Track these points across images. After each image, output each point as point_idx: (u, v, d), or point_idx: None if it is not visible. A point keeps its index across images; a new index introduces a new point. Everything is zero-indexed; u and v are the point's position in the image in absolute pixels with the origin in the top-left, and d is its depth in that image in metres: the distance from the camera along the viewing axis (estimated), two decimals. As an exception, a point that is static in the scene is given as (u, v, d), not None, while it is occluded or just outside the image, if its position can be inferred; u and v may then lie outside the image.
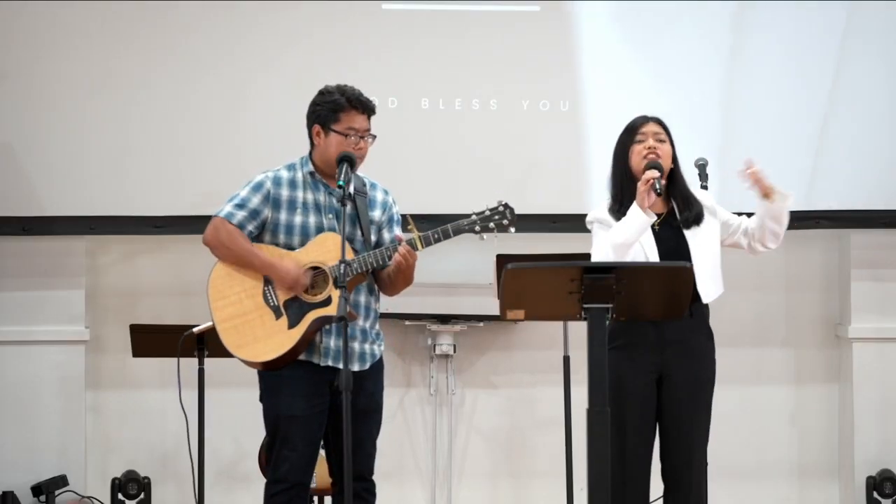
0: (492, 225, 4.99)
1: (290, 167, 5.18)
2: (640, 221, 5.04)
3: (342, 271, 4.79)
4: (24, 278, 7.03)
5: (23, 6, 6.82)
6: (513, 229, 5.02)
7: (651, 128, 5.19)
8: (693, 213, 5.17)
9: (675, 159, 5.20)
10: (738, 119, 6.92)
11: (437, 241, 5.00)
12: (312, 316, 5.01)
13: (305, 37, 6.88)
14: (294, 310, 5.03)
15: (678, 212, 5.17)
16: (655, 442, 5.15)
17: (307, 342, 5.04)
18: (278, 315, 5.04)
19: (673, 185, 5.19)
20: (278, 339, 5.03)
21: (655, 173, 5.04)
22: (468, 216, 5.06)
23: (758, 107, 6.92)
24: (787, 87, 6.92)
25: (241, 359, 5.10)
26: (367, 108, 5.11)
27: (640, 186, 5.04)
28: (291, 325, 5.03)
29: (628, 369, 4.96)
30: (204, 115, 6.88)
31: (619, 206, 5.15)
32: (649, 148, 5.13)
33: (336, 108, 5.08)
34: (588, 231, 5.27)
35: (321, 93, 5.14)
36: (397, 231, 5.13)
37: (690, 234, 5.15)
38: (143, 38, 6.85)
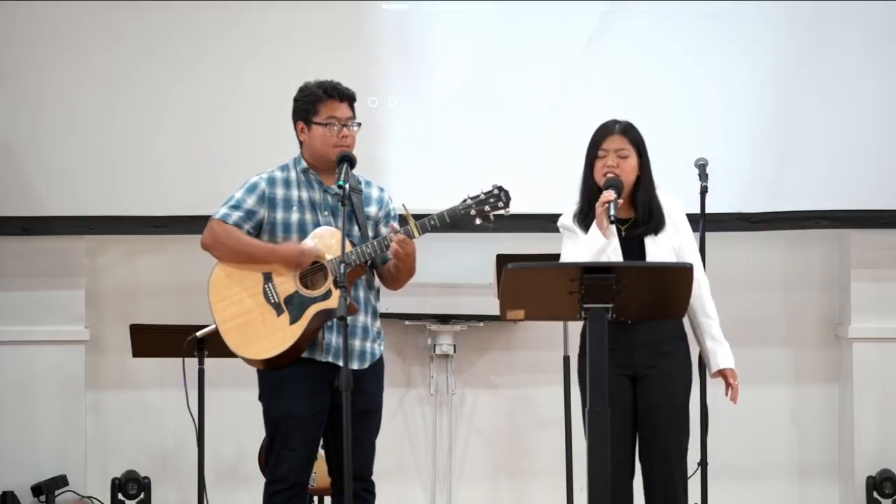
0: (487, 208, 4.94)
1: (284, 168, 5.22)
2: (599, 244, 5.02)
3: (342, 270, 4.80)
4: (24, 278, 7.03)
5: (22, 6, 6.82)
6: (508, 212, 4.97)
7: (614, 143, 5.12)
8: (652, 224, 5.13)
9: (643, 167, 5.14)
10: (737, 118, 6.91)
11: (434, 227, 5.00)
12: (314, 310, 5.02)
13: (305, 37, 6.88)
14: (295, 305, 5.05)
15: (638, 220, 5.15)
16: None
17: (310, 338, 5.05)
18: (279, 312, 5.06)
19: (637, 192, 5.15)
20: (281, 335, 5.04)
21: (612, 195, 4.99)
22: (463, 201, 5.05)
23: (757, 106, 6.91)
24: (785, 85, 6.92)
25: (245, 357, 5.11)
26: (344, 96, 5.15)
27: (598, 208, 5.02)
28: (293, 320, 5.04)
29: None
30: (204, 115, 6.88)
31: (584, 217, 5.15)
32: (608, 166, 5.11)
33: (315, 101, 5.14)
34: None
35: (300, 89, 5.22)
36: (394, 225, 5.11)
37: (649, 242, 5.13)
38: (143, 38, 6.86)
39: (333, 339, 5.06)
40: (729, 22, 6.90)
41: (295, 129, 5.21)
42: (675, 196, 5.26)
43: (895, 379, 7.12)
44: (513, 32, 6.91)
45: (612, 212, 4.96)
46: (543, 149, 6.90)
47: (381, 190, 5.27)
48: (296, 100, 5.21)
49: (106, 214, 6.92)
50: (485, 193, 5.03)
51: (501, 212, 5.00)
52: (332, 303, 4.96)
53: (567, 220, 5.21)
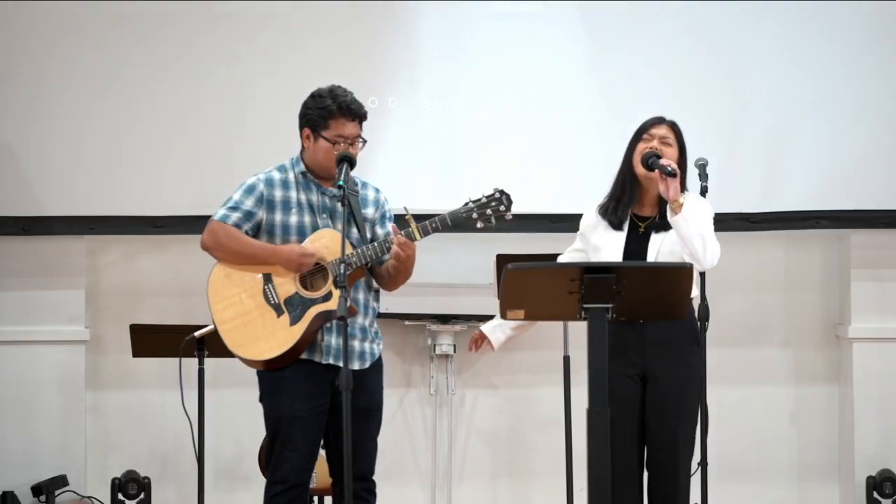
0: (489, 212, 4.99)
1: (281, 168, 5.21)
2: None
3: (342, 271, 4.81)
4: (24, 278, 7.03)
5: (22, 6, 6.82)
6: (510, 215, 5.02)
7: (660, 130, 5.20)
8: (664, 220, 5.14)
9: (680, 165, 5.18)
10: (737, 119, 6.91)
11: (435, 230, 5.03)
12: (314, 311, 5.03)
13: (306, 37, 6.88)
14: (296, 306, 5.05)
15: (659, 216, 5.17)
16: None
17: (310, 339, 5.06)
18: (279, 313, 5.06)
19: None
20: (280, 337, 5.04)
21: (667, 162, 5.03)
22: (465, 204, 5.08)
23: (758, 106, 6.91)
24: (785, 85, 6.91)
25: (244, 358, 5.11)
26: (357, 115, 5.11)
27: (661, 186, 5.04)
28: (294, 321, 5.04)
29: (610, 371, 4.88)
30: (204, 115, 6.88)
31: (616, 204, 5.17)
32: (651, 146, 5.14)
33: (326, 115, 5.10)
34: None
35: (313, 96, 5.16)
36: (389, 226, 5.16)
37: (656, 239, 5.15)
38: (143, 38, 6.86)
39: (333, 340, 5.07)
40: (728, 22, 6.90)
41: (300, 132, 5.17)
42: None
43: (895, 379, 7.12)
44: (513, 33, 6.90)
45: (669, 169, 5.00)
46: (543, 149, 6.90)
47: (378, 191, 5.28)
48: (307, 106, 5.15)
49: (106, 214, 6.93)
50: (486, 197, 5.07)
51: (503, 215, 5.04)
52: (333, 304, 4.98)
53: (582, 224, 5.25)
